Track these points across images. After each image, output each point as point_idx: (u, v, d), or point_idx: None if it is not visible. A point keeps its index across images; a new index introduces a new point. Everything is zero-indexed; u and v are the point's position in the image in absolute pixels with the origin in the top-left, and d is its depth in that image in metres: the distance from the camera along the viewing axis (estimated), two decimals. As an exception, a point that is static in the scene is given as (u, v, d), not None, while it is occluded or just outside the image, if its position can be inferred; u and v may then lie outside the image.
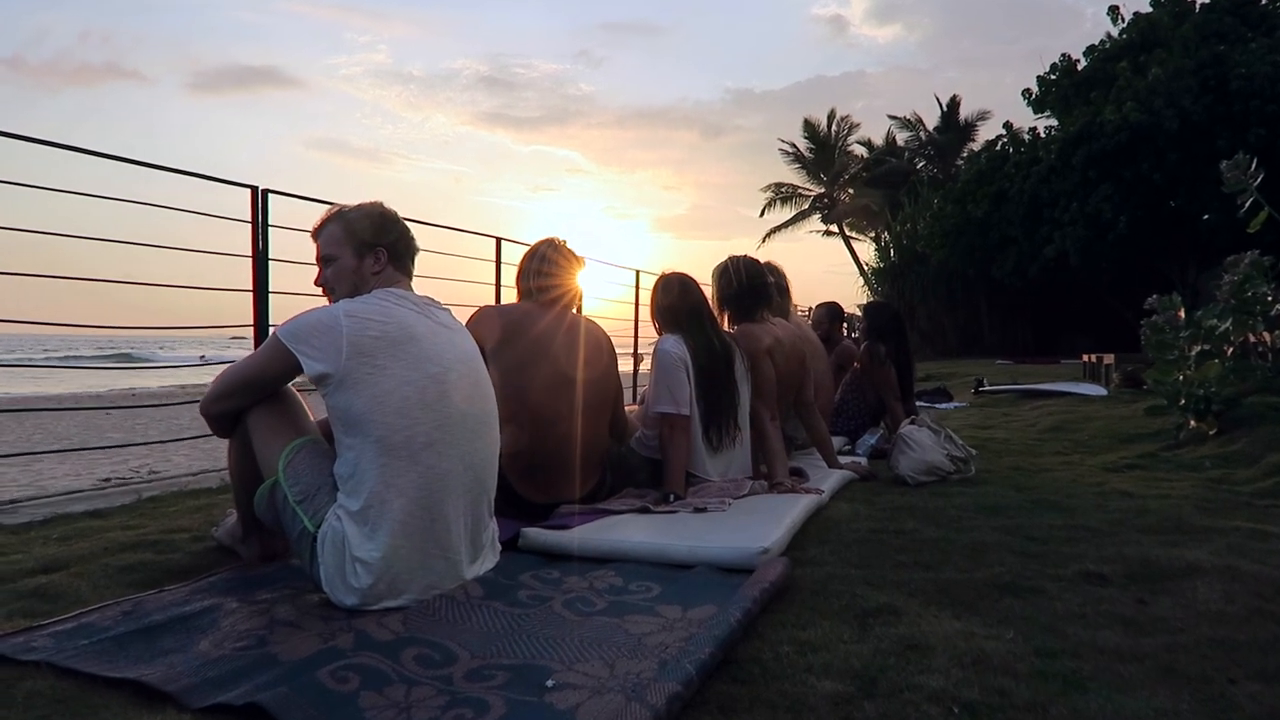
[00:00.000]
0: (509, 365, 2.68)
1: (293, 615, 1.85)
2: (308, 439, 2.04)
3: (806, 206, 37.10)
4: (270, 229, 4.28)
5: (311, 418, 2.15)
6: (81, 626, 1.81)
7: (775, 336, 3.31)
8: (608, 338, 2.92)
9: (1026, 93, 22.51)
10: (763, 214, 37.66)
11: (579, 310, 2.98)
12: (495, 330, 2.72)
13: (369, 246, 2.12)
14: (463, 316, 2.73)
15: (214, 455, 6.91)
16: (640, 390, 8.82)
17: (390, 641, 1.69)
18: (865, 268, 32.92)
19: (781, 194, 37.29)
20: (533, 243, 2.93)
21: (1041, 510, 2.84)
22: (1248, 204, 5.26)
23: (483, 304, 2.92)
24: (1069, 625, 1.78)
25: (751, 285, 3.37)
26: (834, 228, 36.81)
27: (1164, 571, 2.12)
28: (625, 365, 9.08)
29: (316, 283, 2.17)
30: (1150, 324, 4.59)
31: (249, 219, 4.17)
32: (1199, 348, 4.47)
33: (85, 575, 2.24)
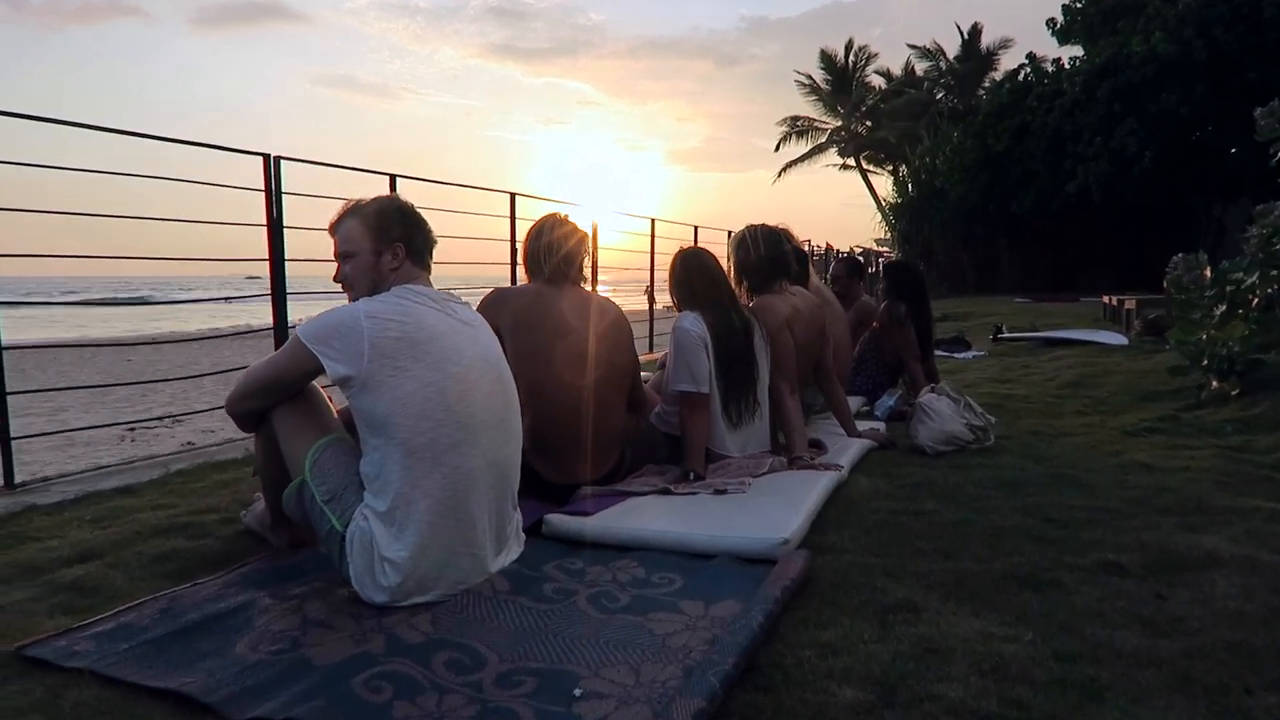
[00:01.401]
0: (523, 348, 2.68)
1: (324, 614, 1.90)
2: (332, 437, 2.06)
3: (823, 140, 36.47)
4: (285, 196, 4.26)
5: (335, 413, 2.17)
6: (121, 627, 1.86)
7: (794, 307, 3.29)
8: (622, 314, 2.91)
9: (1051, 22, 21.85)
10: (778, 148, 37.08)
11: (591, 283, 2.96)
12: (508, 314, 2.72)
13: (387, 242, 2.10)
14: (478, 296, 2.74)
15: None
16: (657, 340, 8.85)
17: (420, 644, 1.74)
18: (883, 203, 32.47)
19: (797, 128, 36.63)
20: (537, 218, 2.90)
21: (1060, 487, 2.85)
22: (1280, 153, 5.13)
23: (496, 285, 2.92)
24: (1087, 624, 1.81)
25: (770, 256, 3.34)
26: (851, 161, 36.22)
27: (1182, 561, 2.13)
28: (640, 319, 9.12)
29: (335, 279, 2.17)
30: (1174, 280, 4.52)
31: (262, 188, 4.15)
32: (1223, 308, 4.41)
33: (120, 565, 2.30)
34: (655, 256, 8.80)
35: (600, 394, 2.73)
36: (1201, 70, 16.81)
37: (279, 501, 2.20)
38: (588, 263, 2.94)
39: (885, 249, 33.62)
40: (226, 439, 4.53)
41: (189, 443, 7.78)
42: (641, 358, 8.00)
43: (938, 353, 7.13)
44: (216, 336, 17.62)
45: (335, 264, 2.16)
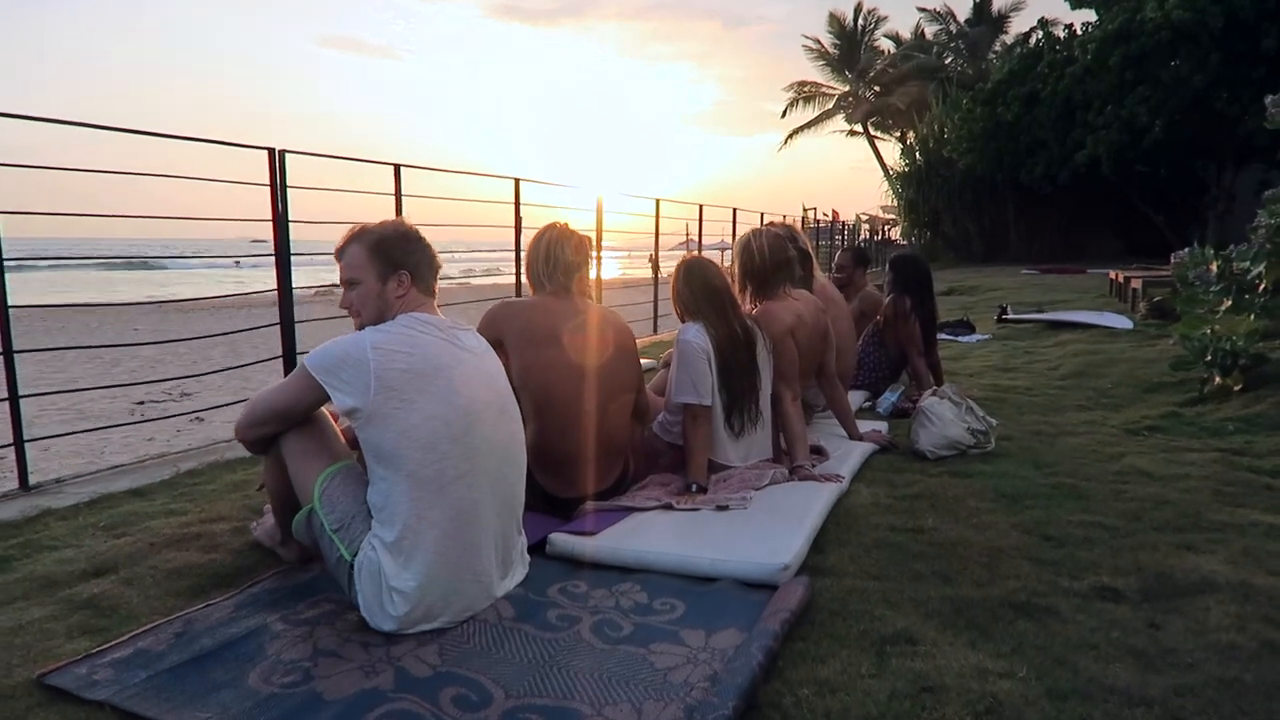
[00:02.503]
0: (528, 363, 2.71)
1: (334, 643, 1.94)
2: (340, 465, 2.10)
3: (830, 106, 36.05)
4: (289, 190, 4.25)
5: (342, 437, 2.20)
6: (138, 653, 1.91)
7: (797, 314, 3.30)
8: (626, 326, 2.92)
9: (1064, -15, 21.39)
10: (785, 114, 36.69)
11: (597, 290, 2.97)
12: (513, 328, 2.74)
13: (392, 269, 2.12)
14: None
15: (244, 385, 6.98)
16: (661, 320, 8.88)
17: (428, 678, 1.79)
18: (890, 171, 32.19)
19: (805, 93, 36.22)
20: (539, 228, 2.90)
21: (1060, 499, 2.88)
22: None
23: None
24: (1081, 657, 1.84)
25: (775, 261, 3.34)
26: (858, 128, 35.83)
27: (1178, 587, 2.17)
28: (645, 286, 9.15)
29: (342, 305, 2.18)
30: (1180, 274, 4.51)
31: (267, 182, 4.14)
32: (1228, 303, 4.40)
33: (135, 581, 2.35)
34: (659, 236, 8.80)
35: (604, 407, 2.75)
36: (1216, 38, 16.54)
37: (288, 522, 2.25)
38: (591, 271, 2.95)
39: (892, 216, 33.42)
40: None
41: (198, 417, 7.86)
42: (645, 341, 7.96)
43: (942, 336, 7.15)
44: (228, 297, 17.66)
45: (342, 289, 2.18)
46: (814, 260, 4.03)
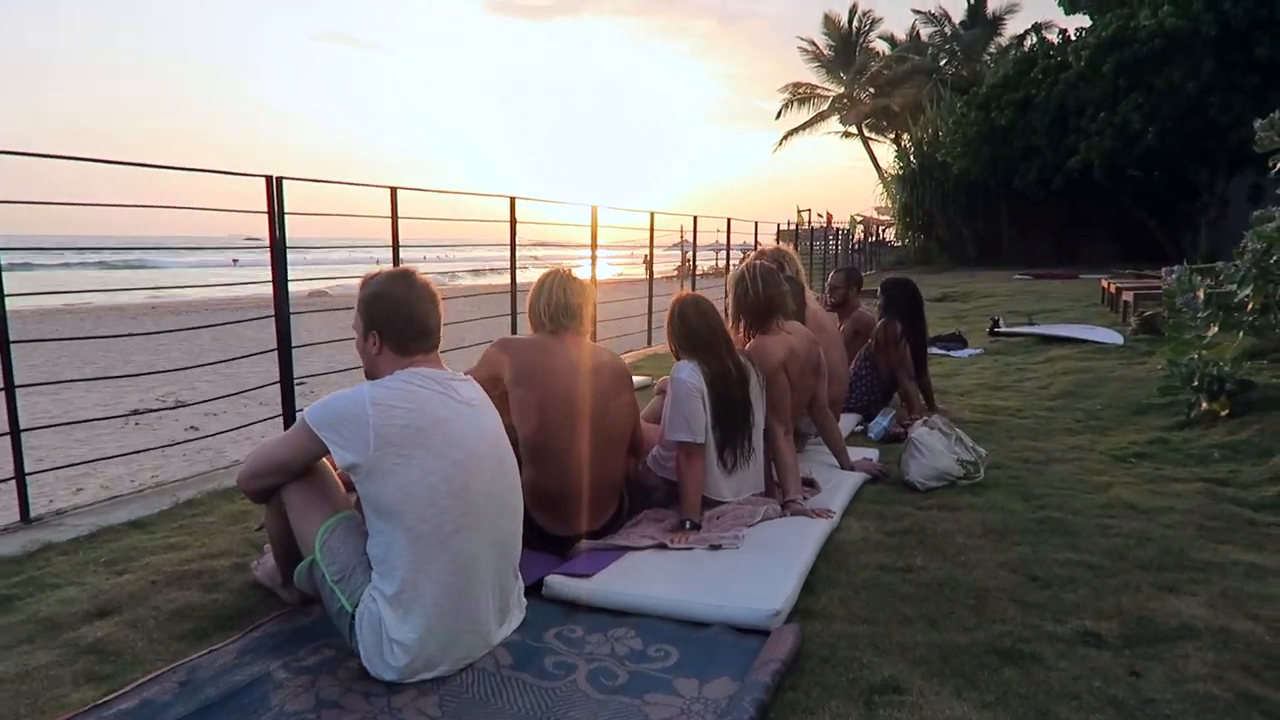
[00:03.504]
0: (526, 401, 2.76)
1: (336, 693, 1.99)
2: (340, 517, 2.14)
3: (825, 108, 36.12)
4: (287, 216, 4.29)
5: (342, 486, 2.25)
6: (143, 704, 1.95)
7: (789, 348, 3.35)
8: (623, 365, 2.98)
9: (1059, -9, 21.51)
10: (779, 116, 36.75)
11: (592, 332, 3.01)
12: (511, 366, 2.79)
13: (368, 327, 2.16)
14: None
15: (237, 380, 7.02)
16: (656, 333, 8.94)
17: (428, 732, 1.83)
18: (885, 174, 32.26)
19: (799, 95, 36.28)
20: (541, 274, 2.97)
21: (1046, 534, 2.93)
22: (1278, 165, 5.16)
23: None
24: (1062, 707, 1.90)
25: (768, 295, 3.40)
26: (853, 129, 35.91)
27: (1158, 631, 2.22)
28: (640, 283, 9.22)
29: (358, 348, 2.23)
30: (1169, 303, 4.57)
31: (265, 209, 4.17)
32: (1215, 329, 4.47)
33: (138, 624, 2.39)
34: (654, 249, 8.86)
35: (600, 447, 2.80)
36: (1209, 45, 16.64)
37: (289, 567, 2.30)
38: (589, 313, 3.00)
39: (887, 218, 33.51)
40: (230, 426, 4.59)
41: (193, 427, 7.87)
42: (641, 353, 7.99)
43: (935, 350, 7.21)
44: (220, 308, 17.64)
45: None
46: (806, 289, 4.08)
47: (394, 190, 4.95)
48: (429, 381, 2.11)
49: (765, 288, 3.39)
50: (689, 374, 2.98)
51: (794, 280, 3.88)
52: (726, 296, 3.47)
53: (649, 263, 9.51)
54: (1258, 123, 5.25)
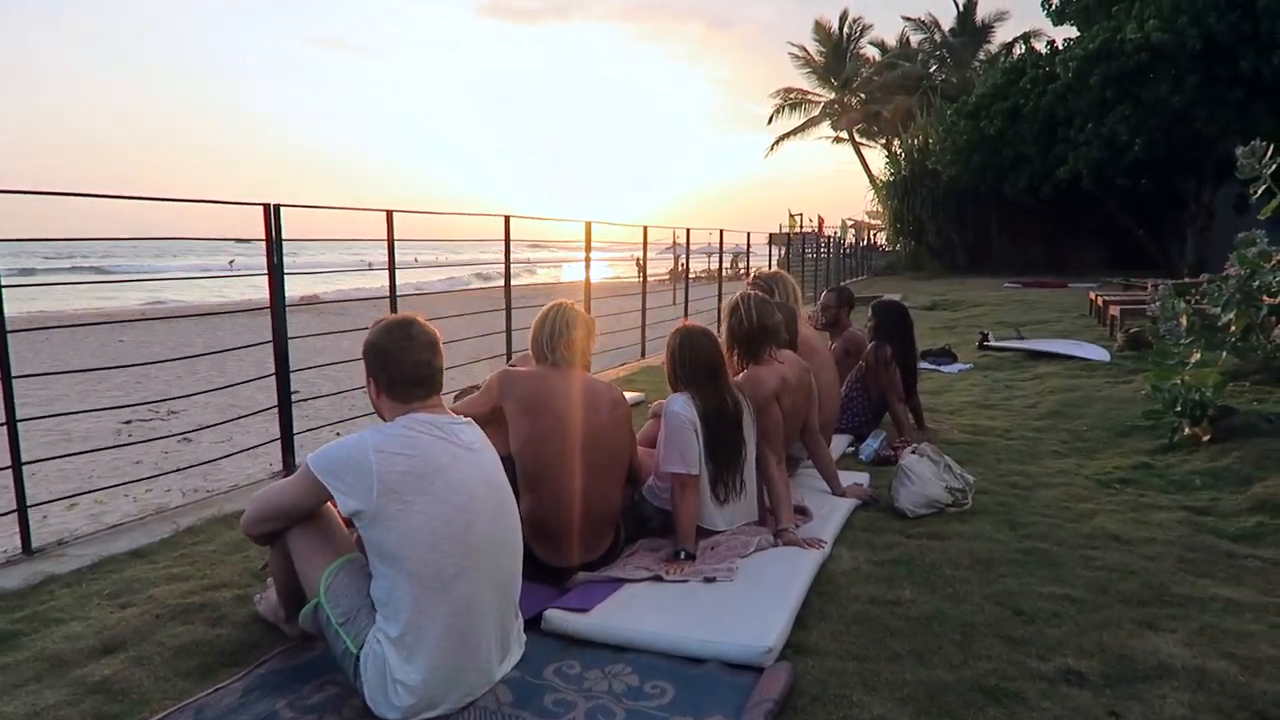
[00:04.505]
0: (526, 436, 2.83)
1: (341, 734, 2.04)
2: (344, 560, 2.20)
3: (816, 113, 36.30)
4: (284, 243, 4.34)
5: (345, 530, 2.30)
6: (152, 746, 2.00)
7: (782, 377, 3.42)
8: (622, 399, 3.04)
9: (1046, 2, 21.71)
10: (770, 121, 36.92)
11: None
12: (512, 399, 2.87)
13: (369, 374, 2.23)
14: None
15: (232, 404, 6.97)
16: (650, 345, 9.00)
17: (432, 774, 1.89)
18: (876, 180, 32.44)
19: (790, 100, 36.45)
20: (544, 307, 3.03)
21: (1032, 565, 3.01)
22: (1260, 191, 5.26)
23: (504, 366, 3.05)
24: (1044, 749, 1.97)
25: (761, 325, 3.47)
26: (844, 134, 36.10)
27: (1137, 670, 2.29)
28: (634, 288, 9.31)
29: None
30: (1152, 329, 4.66)
31: (263, 236, 4.22)
32: (1197, 355, 4.56)
33: (144, 661, 2.43)
34: (647, 262, 8.93)
35: (598, 480, 2.87)
36: (1194, 59, 16.84)
37: (293, 605, 2.35)
38: (590, 346, 3.07)
39: (878, 222, 33.69)
40: (223, 437, 4.64)
41: (185, 437, 7.89)
42: (633, 367, 8.03)
43: (925, 365, 7.30)
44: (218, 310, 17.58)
45: None
46: (799, 314, 4.15)
47: (390, 214, 5.00)
48: (430, 427, 2.16)
49: (759, 318, 3.46)
50: (682, 406, 3.05)
51: (785, 306, 3.95)
52: (719, 322, 3.54)
53: (642, 269, 9.60)
54: (1239, 150, 5.36)
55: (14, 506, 3.38)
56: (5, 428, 3.24)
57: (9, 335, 3.22)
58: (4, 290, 3.22)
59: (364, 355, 2.23)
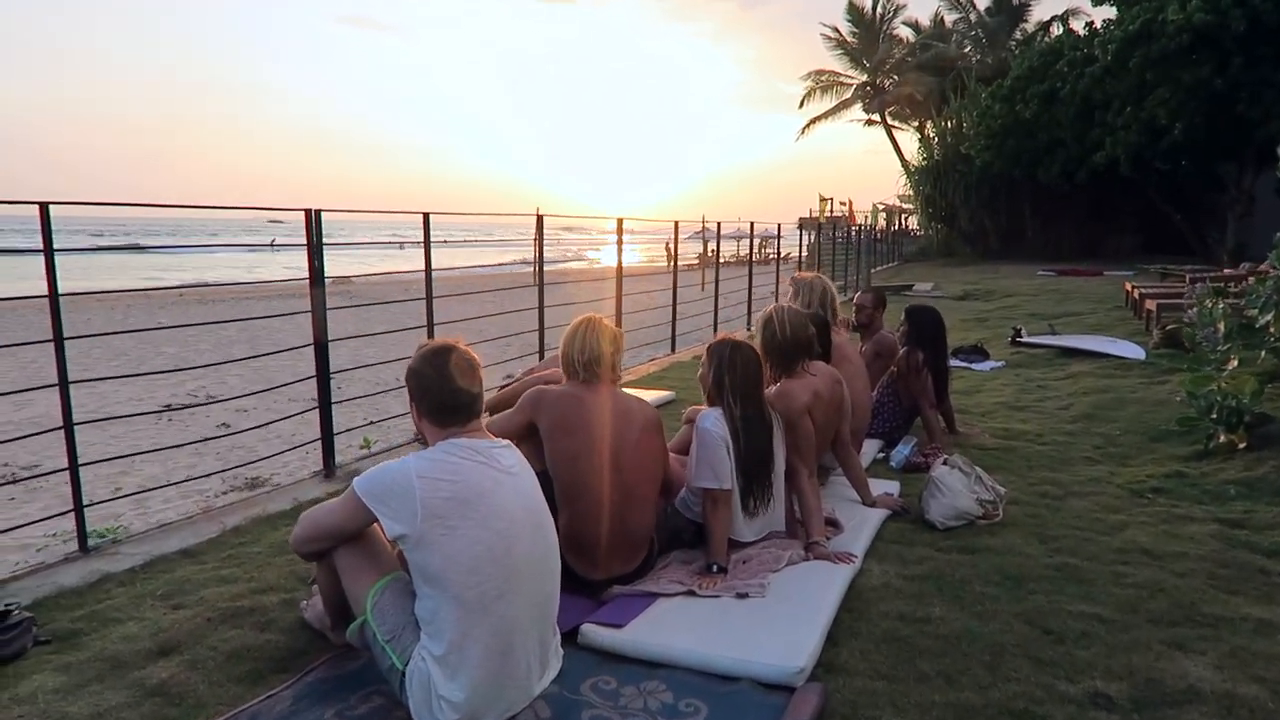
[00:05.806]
0: (560, 452, 2.91)
1: (388, 747, 2.13)
2: (389, 579, 2.28)
3: (848, 95, 35.90)
4: (325, 248, 4.43)
5: (390, 550, 2.38)
6: (211, 755, 2.10)
7: (814, 391, 3.45)
8: (655, 413, 3.10)
9: (1086, -18, 21.24)
10: (802, 104, 36.59)
11: (616, 378, 3.12)
12: (545, 418, 2.94)
13: (410, 398, 2.30)
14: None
15: (265, 374, 7.12)
16: (680, 340, 9.06)
17: (476, 790, 1.97)
18: (908, 164, 32.08)
19: (822, 83, 36.07)
20: (573, 322, 3.09)
21: (1062, 582, 3.03)
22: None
23: (538, 385, 3.11)
24: (1072, 776, 2.01)
25: (795, 339, 3.50)
26: (875, 117, 35.69)
27: (1166, 694, 2.32)
28: (664, 272, 9.34)
29: None
30: (1189, 335, 4.62)
31: (304, 241, 4.31)
32: (1235, 363, 4.52)
33: (198, 664, 2.55)
34: (679, 256, 8.95)
35: (632, 494, 2.93)
36: (1238, 41, 16.44)
37: (339, 618, 2.45)
38: (620, 359, 3.13)
39: (909, 206, 33.34)
40: (260, 422, 4.75)
41: (224, 425, 8.07)
42: (664, 363, 8.07)
43: (957, 363, 7.28)
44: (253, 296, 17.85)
45: None
46: (833, 326, 4.17)
47: (426, 216, 5.08)
48: (471, 453, 2.23)
49: (793, 331, 3.49)
50: (713, 423, 3.09)
51: (819, 316, 3.97)
52: (755, 336, 3.57)
53: (672, 259, 9.62)
54: (1282, 149, 5.27)
55: (70, 505, 3.51)
56: (63, 431, 3.37)
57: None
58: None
59: (406, 381, 2.31)
